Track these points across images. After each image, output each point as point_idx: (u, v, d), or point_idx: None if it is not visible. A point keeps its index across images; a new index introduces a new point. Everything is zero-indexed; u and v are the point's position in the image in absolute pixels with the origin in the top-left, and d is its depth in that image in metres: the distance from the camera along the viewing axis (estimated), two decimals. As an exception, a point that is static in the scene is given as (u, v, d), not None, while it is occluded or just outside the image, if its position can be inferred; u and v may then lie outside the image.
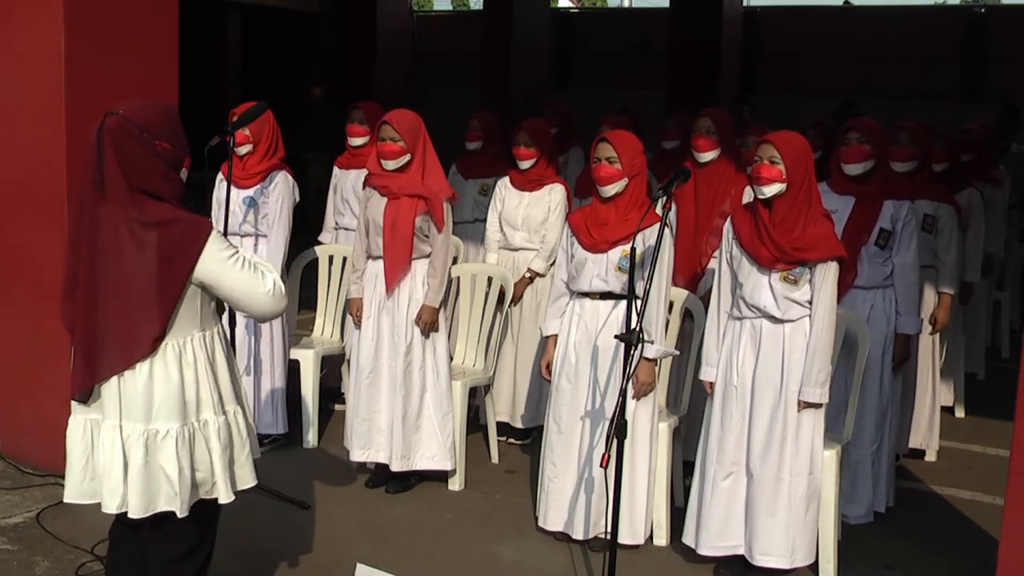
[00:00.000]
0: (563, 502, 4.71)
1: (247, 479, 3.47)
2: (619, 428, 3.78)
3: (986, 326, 7.71)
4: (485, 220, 6.28)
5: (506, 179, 6.03)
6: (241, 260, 3.25)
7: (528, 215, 5.88)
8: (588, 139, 5.63)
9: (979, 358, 7.42)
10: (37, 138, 5.22)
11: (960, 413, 6.81)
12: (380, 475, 5.34)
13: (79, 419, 3.32)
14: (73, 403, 3.33)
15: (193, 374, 3.28)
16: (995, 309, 8.06)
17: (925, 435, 5.88)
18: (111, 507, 3.28)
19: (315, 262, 6.20)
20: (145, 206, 3.16)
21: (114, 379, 3.22)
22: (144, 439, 3.23)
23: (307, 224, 7.41)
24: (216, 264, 3.21)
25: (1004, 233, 7.50)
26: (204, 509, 3.39)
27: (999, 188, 7.16)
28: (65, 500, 3.37)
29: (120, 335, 3.19)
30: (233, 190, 5.41)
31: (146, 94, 4.31)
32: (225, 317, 3.60)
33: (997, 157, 7.74)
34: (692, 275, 5.43)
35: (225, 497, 3.38)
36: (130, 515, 3.26)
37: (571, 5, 29.74)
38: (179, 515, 3.28)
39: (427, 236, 5.06)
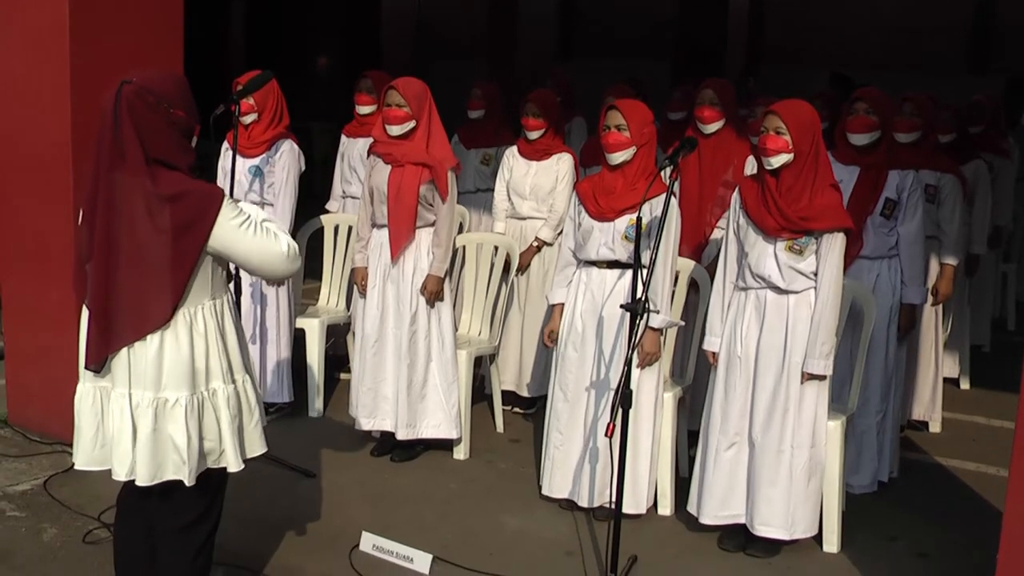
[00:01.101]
0: (568, 470, 4.73)
1: (256, 447, 3.49)
2: (624, 398, 3.79)
3: (992, 298, 7.70)
4: (487, 190, 6.27)
5: (514, 148, 6.02)
6: (254, 225, 3.26)
7: (536, 184, 5.87)
8: (592, 110, 5.62)
9: (985, 330, 7.41)
10: (43, 110, 5.21)
11: (965, 385, 6.81)
12: (385, 444, 5.35)
13: (88, 387, 3.33)
14: (81, 371, 3.35)
15: (203, 342, 3.29)
16: (1002, 281, 8.04)
17: (928, 406, 5.88)
18: (120, 474, 3.30)
19: (321, 231, 6.20)
20: (159, 177, 3.16)
21: (124, 348, 3.23)
22: (153, 407, 3.24)
23: (313, 193, 7.41)
24: (229, 232, 3.22)
25: (1012, 205, 7.47)
26: (211, 478, 3.41)
27: (1008, 160, 7.12)
28: (76, 467, 3.39)
29: (134, 305, 3.19)
30: (239, 159, 5.41)
31: (151, 64, 4.29)
32: (231, 285, 3.60)
33: (1006, 129, 7.70)
34: (696, 245, 5.43)
35: (234, 466, 3.39)
36: (137, 483, 3.28)
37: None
38: (187, 484, 3.29)
39: (431, 204, 5.05)
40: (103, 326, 3.22)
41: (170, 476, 3.29)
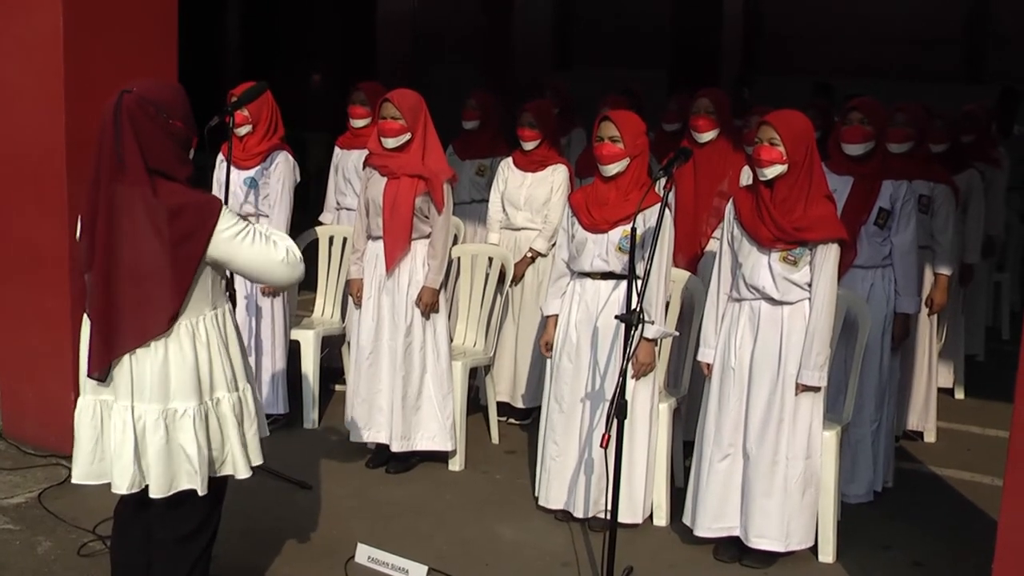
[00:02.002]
0: (564, 481, 4.73)
1: (255, 456, 3.51)
2: (619, 408, 3.79)
3: (986, 308, 7.70)
4: (482, 201, 6.27)
5: (509, 159, 6.02)
6: (252, 233, 3.27)
7: (531, 195, 5.87)
8: (589, 120, 5.62)
9: (979, 340, 7.41)
10: (37, 118, 5.21)
11: (960, 395, 6.81)
12: (381, 455, 5.35)
13: (89, 400, 3.33)
14: (83, 384, 3.36)
15: (207, 353, 3.31)
16: (995, 291, 8.05)
17: (921, 416, 5.88)
18: (121, 488, 3.31)
19: (315, 243, 6.20)
20: (159, 188, 3.18)
21: (126, 360, 3.24)
22: (163, 419, 3.25)
23: (308, 205, 7.40)
24: (228, 242, 3.23)
25: (1005, 214, 7.48)
26: (213, 488, 3.42)
27: (1000, 169, 7.14)
28: (74, 481, 3.40)
29: (135, 313, 3.21)
30: (234, 171, 5.42)
31: (145, 73, 4.29)
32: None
33: (997, 138, 7.72)
34: (692, 256, 5.43)
35: (244, 472, 3.43)
36: (152, 495, 3.30)
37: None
38: (200, 492, 3.31)
39: (427, 216, 5.05)
40: (105, 333, 3.23)
41: (184, 486, 3.31)
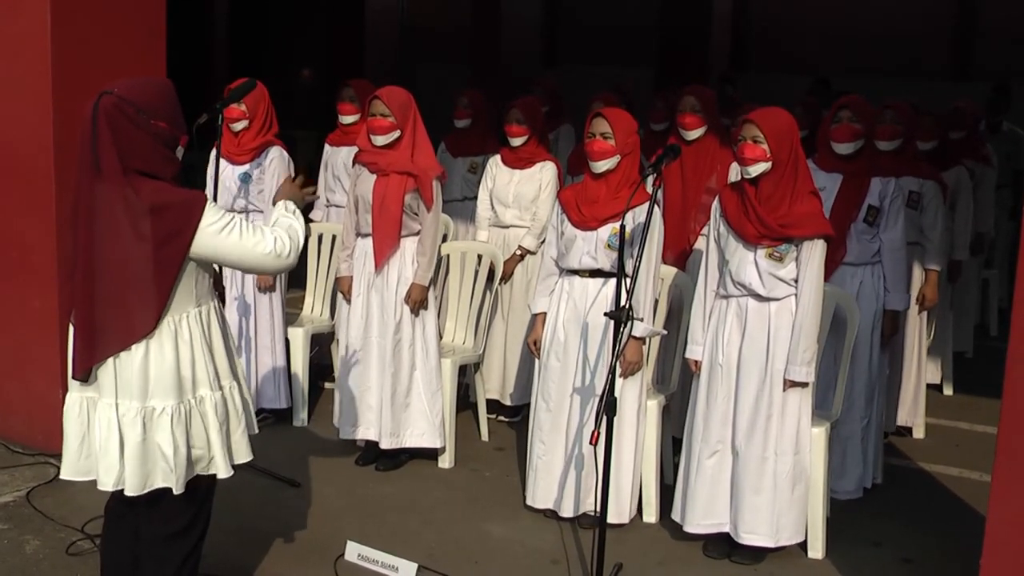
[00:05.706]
0: (552, 479, 4.73)
1: (242, 454, 3.49)
2: (608, 406, 3.79)
3: (975, 304, 7.73)
4: (474, 198, 6.27)
5: (497, 157, 6.02)
6: (237, 226, 3.25)
7: (519, 193, 5.87)
8: (578, 117, 5.62)
9: (967, 336, 7.43)
10: (23, 115, 5.19)
11: (948, 391, 6.83)
12: (370, 453, 5.34)
13: (75, 396, 3.33)
14: (70, 381, 3.35)
15: (189, 351, 3.29)
16: (984, 287, 8.07)
17: (909, 412, 5.91)
18: (107, 484, 3.30)
19: (305, 240, 6.17)
20: (141, 187, 3.15)
21: (110, 359, 3.23)
22: (141, 417, 3.24)
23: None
24: (212, 237, 3.21)
25: (994, 212, 7.50)
26: (199, 487, 3.42)
27: (989, 166, 7.16)
28: (62, 477, 3.39)
29: (119, 315, 3.19)
30: (228, 165, 5.43)
31: (134, 72, 4.28)
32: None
33: (984, 133, 7.74)
34: (680, 253, 5.43)
35: (224, 472, 3.40)
36: (127, 492, 3.28)
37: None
38: (175, 491, 3.30)
39: (416, 214, 5.05)
40: (88, 337, 3.22)
41: (159, 484, 3.29)
